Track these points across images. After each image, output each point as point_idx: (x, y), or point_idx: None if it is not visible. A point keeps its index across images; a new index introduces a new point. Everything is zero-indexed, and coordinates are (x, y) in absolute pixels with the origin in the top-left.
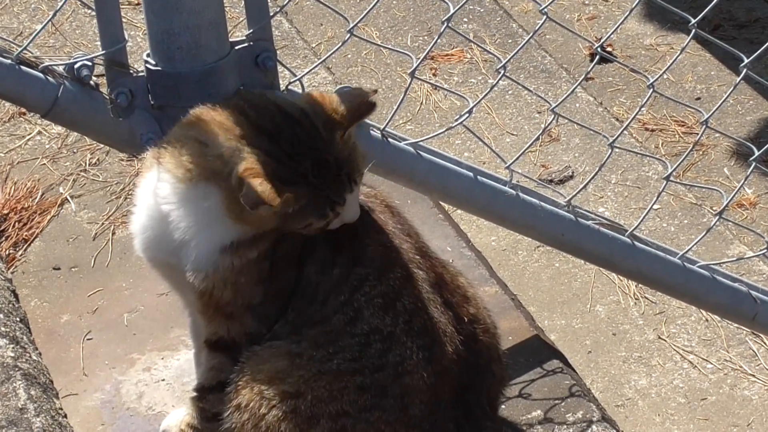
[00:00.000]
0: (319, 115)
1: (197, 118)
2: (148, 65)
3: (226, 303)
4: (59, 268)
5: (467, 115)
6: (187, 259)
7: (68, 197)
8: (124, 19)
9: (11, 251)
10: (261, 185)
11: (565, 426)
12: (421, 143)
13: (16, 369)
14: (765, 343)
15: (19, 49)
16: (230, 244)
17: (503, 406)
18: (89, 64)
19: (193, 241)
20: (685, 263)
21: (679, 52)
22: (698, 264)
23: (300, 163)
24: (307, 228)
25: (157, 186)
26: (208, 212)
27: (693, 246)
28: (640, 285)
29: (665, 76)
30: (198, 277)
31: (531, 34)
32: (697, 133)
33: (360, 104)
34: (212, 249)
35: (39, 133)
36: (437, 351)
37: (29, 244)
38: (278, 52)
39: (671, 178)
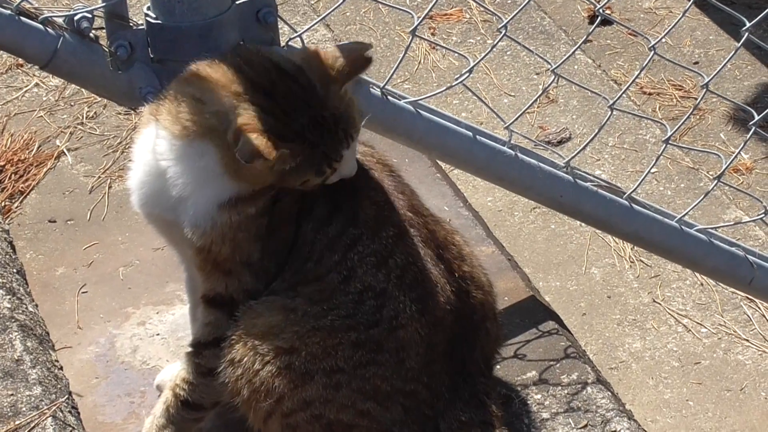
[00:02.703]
0: (315, 70)
1: (194, 75)
2: (148, 18)
3: (225, 259)
4: (55, 221)
5: (467, 74)
6: (185, 216)
7: (65, 150)
8: None
9: (7, 203)
10: (257, 139)
11: (559, 387)
12: (420, 102)
13: (13, 320)
14: (759, 308)
15: (19, 0)
16: (228, 199)
17: (498, 367)
18: (89, 16)
19: (191, 198)
20: (683, 227)
21: (680, 15)
22: (695, 228)
23: (296, 119)
24: (305, 184)
25: (155, 142)
26: (205, 169)
27: (691, 210)
28: (635, 248)
29: (664, 40)
30: (196, 233)
31: None
32: (695, 98)
33: (356, 59)
34: (210, 205)
35: (36, 85)
36: (430, 302)
37: (25, 197)
38: (278, 8)
39: (669, 142)
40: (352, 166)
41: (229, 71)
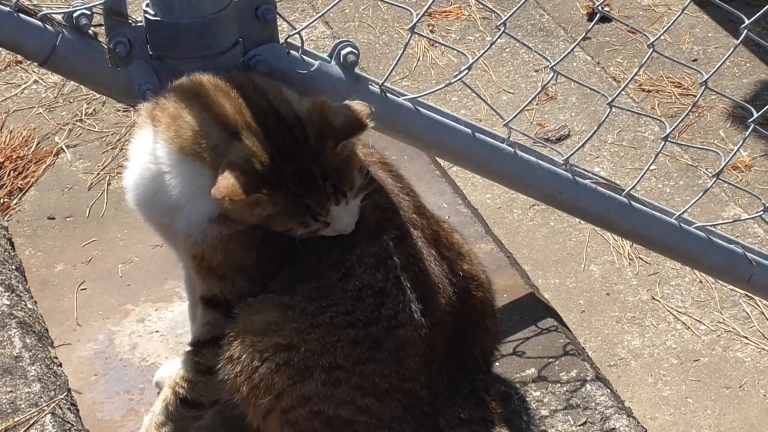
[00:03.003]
0: (314, 124)
1: (196, 94)
2: (147, 15)
3: (218, 266)
4: (54, 218)
5: (466, 71)
6: (179, 223)
7: (64, 147)
8: None
9: (6, 200)
10: (238, 177)
11: (558, 384)
12: (419, 99)
13: (12, 317)
14: (758, 305)
15: None
16: (218, 215)
17: (497, 364)
18: (88, 13)
19: (184, 209)
20: (682, 224)
21: (679, 12)
22: (694, 225)
23: (282, 168)
24: (290, 232)
25: (154, 147)
26: (200, 186)
27: (690, 207)
28: (634, 245)
29: (663, 37)
30: (188, 241)
31: None
32: (694, 95)
33: (354, 122)
34: (201, 219)
35: (35, 82)
36: (430, 303)
37: (24, 193)
38: (277, 5)
39: (669, 139)
40: (347, 223)
41: (232, 108)
